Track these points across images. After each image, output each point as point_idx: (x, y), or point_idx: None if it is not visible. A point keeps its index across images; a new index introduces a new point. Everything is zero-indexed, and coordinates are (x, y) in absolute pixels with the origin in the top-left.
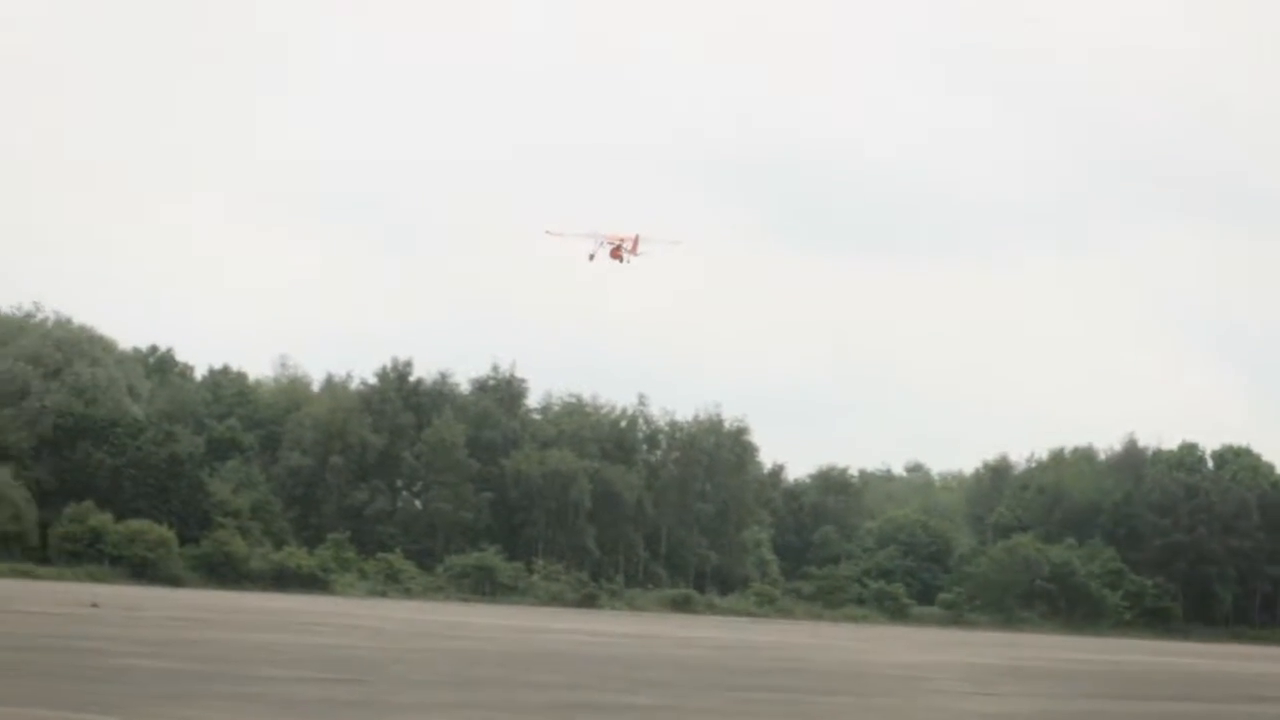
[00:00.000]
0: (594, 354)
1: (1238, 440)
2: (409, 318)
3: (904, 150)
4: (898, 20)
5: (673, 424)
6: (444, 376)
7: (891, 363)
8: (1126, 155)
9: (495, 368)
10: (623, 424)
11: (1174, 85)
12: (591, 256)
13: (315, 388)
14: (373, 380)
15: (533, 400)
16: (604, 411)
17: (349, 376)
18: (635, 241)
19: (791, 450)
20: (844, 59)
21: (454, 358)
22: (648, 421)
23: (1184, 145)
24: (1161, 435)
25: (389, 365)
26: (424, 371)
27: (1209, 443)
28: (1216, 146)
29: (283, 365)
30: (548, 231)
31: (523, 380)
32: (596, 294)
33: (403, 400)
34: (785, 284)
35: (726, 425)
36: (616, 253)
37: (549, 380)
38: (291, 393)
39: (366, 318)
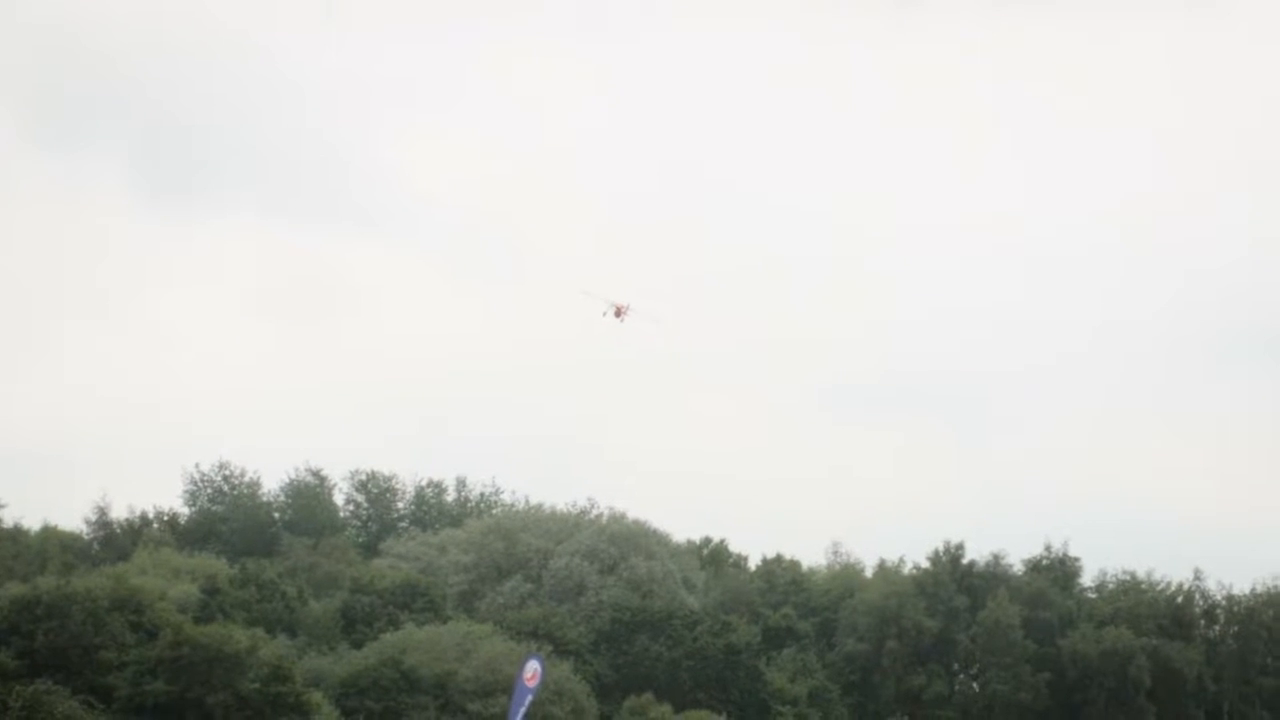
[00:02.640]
0: (1146, 529)
1: None
2: (958, 501)
3: None
4: None
5: (1230, 598)
6: (997, 558)
7: None
8: None
9: (1048, 547)
10: (1179, 600)
11: None
12: (604, 314)
13: (868, 573)
14: (925, 564)
15: (1087, 579)
16: (1159, 588)
17: (901, 561)
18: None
19: None
20: None
21: (1005, 539)
22: (1204, 596)
23: None
24: None
25: (941, 549)
26: (976, 554)
27: None
28: None
29: (835, 552)
30: (583, 290)
31: (1076, 559)
32: (1144, 468)
33: (956, 583)
34: None
35: None
36: (619, 313)
37: (1101, 558)
38: (845, 579)
39: (916, 501)
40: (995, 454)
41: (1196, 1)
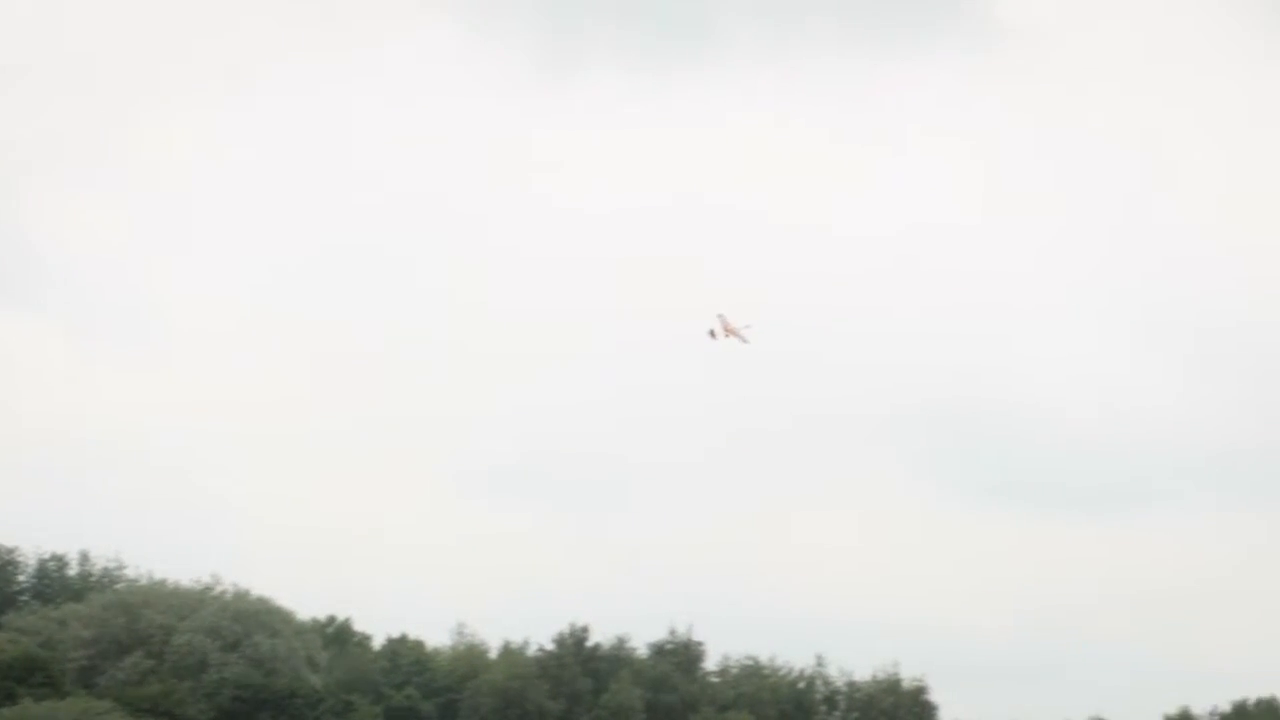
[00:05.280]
0: (771, 614)
1: None
2: (585, 582)
3: (1083, 405)
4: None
5: (851, 684)
6: (621, 641)
7: (1073, 618)
8: None
9: (672, 631)
10: (800, 685)
11: None
12: (711, 333)
13: (493, 654)
14: (550, 646)
15: (710, 663)
16: (781, 673)
17: (526, 643)
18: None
19: (974, 707)
20: (1017, 313)
21: (630, 621)
22: (825, 682)
23: None
24: None
25: (566, 631)
26: (601, 636)
27: None
28: None
29: (459, 633)
30: (718, 314)
31: (700, 643)
32: (774, 554)
33: (580, 666)
34: (965, 540)
35: (905, 685)
36: (729, 332)
37: (726, 642)
38: (469, 660)
39: (542, 583)
40: (626, 538)
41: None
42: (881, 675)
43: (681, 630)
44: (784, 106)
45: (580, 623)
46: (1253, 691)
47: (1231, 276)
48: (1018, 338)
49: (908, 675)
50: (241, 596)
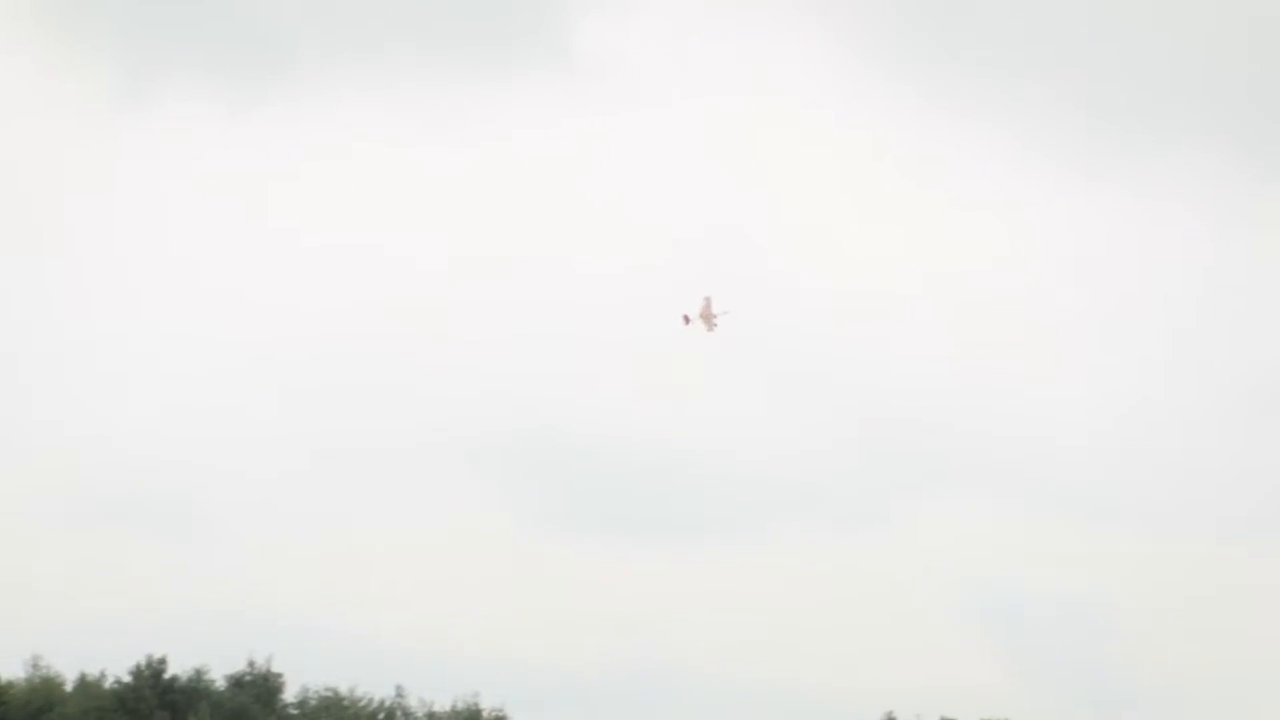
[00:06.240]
0: (354, 645)
1: (997, 713)
2: (163, 613)
3: (674, 435)
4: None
5: (431, 714)
6: (199, 673)
7: (658, 645)
8: (899, 430)
9: (251, 663)
10: (380, 715)
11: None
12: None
13: (69, 687)
14: (127, 678)
15: (290, 694)
16: (362, 704)
17: (103, 675)
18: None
19: None
20: (605, 346)
21: (209, 653)
22: (405, 713)
23: (953, 413)
24: (920, 711)
25: (143, 663)
26: (179, 668)
27: (968, 716)
28: (986, 416)
29: (35, 665)
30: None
31: (279, 675)
32: (355, 583)
33: (158, 698)
34: (552, 570)
35: (485, 713)
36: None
37: (306, 674)
38: (44, 693)
39: (120, 614)
40: (204, 567)
41: None
42: (461, 705)
43: (261, 662)
44: (366, 132)
45: (158, 654)
46: (863, 714)
47: (818, 307)
48: (606, 370)
49: (488, 705)
50: None
